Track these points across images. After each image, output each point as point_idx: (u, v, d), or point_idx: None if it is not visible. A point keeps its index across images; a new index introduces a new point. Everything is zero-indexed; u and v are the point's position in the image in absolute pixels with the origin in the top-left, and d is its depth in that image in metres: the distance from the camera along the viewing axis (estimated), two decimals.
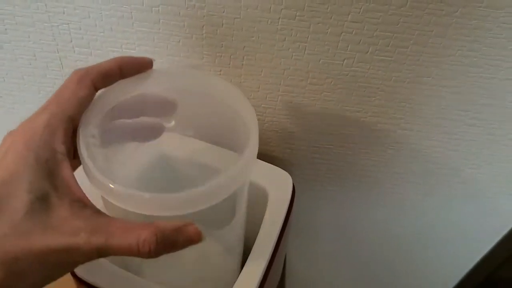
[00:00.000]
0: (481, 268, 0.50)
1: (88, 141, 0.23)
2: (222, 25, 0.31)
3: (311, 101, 0.35)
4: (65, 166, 0.21)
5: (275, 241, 0.32)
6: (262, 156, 0.39)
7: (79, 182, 0.21)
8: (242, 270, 0.31)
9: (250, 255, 0.32)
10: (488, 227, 0.45)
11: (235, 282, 0.29)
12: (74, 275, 0.29)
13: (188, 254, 0.23)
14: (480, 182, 0.40)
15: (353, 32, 0.30)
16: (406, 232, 0.48)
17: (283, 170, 0.36)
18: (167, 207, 0.22)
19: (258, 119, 0.37)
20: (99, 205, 0.22)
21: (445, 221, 0.45)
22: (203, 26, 0.31)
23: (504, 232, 0.45)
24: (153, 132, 0.29)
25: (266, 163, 0.37)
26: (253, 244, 0.35)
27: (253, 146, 0.25)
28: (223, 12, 0.30)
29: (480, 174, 0.40)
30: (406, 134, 0.37)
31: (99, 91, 0.24)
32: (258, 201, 0.36)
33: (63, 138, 0.21)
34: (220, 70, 0.34)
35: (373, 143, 0.38)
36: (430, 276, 0.53)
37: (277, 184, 0.35)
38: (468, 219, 0.44)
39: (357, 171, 0.42)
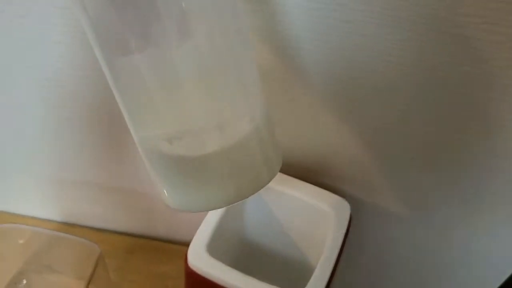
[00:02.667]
0: None
1: None
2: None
3: (354, 146, 0.44)
4: None
5: (336, 259, 0.40)
6: (325, 185, 0.47)
7: None
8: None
9: (316, 270, 0.38)
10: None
11: None
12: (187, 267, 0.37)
13: None
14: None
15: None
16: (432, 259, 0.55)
17: (342, 198, 0.45)
18: None
19: (324, 154, 0.46)
20: None
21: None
22: None
23: None
24: None
25: (328, 192, 0.45)
26: (313, 259, 0.43)
27: None
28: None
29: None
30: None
31: None
32: (320, 224, 0.44)
33: None
34: None
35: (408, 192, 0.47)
36: None
37: (337, 209, 0.44)
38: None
39: (394, 209, 0.50)
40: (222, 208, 0.41)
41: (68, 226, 0.63)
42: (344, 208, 0.44)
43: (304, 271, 0.46)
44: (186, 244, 0.61)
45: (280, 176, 0.45)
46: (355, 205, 0.50)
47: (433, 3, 0.31)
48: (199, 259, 0.37)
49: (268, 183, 0.29)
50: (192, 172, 0.27)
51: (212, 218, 0.40)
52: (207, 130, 0.26)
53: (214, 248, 0.39)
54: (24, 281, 0.51)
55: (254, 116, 0.27)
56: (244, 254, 0.50)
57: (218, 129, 0.26)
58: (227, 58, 0.26)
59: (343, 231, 0.42)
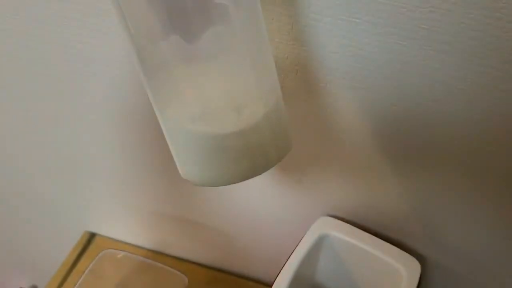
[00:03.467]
0: None
1: None
2: None
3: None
4: None
5: None
6: (397, 242, 0.50)
7: None
8: None
9: None
10: None
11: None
12: None
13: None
14: None
15: None
16: None
17: (413, 257, 0.47)
18: None
19: (396, 213, 0.49)
20: None
21: None
22: None
23: None
24: None
25: (400, 249, 0.47)
26: None
27: None
28: None
29: None
30: None
31: None
32: (390, 280, 0.47)
33: None
34: None
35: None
36: None
37: (407, 267, 0.46)
38: None
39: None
40: (301, 256, 0.45)
41: (155, 254, 0.69)
42: (415, 267, 0.46)
43: None
44: (257, 281, 0.66)
45: (354, 230, 0.48)
46: (426, 264, 0.52)
47: None
48: None
49: (276, 163, 0.32)
50: (210, 149, 0.30)
51: (291, 265, 0.44)
52: (226, 112, 0.29)
53: None
54: None
55: (268, 102, 0.30)
56: None
57: (235, 111, 0.29)
58: (245, 47, 0.28)
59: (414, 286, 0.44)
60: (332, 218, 0.49)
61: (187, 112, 0.29)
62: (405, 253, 0.47)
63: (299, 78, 0.37)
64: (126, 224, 0.69)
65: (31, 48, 0.43)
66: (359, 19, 0.32)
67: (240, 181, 0.31)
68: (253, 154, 0.30)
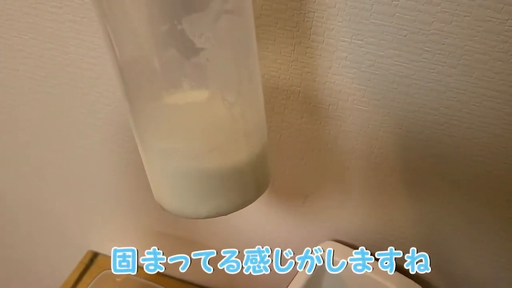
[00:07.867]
0: None
1: None
2: None
3: None
4: None
5: None
6: (402, 269, 0.48)
7: None
8: None
9: None
10: None
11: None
12: None
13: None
14: None
15: None
16: None
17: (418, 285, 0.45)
18: None
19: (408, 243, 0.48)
20: None
21: None
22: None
23: None
24: None
25: (409, 279, 0.46)
26: None
27: None
28: None
29: None
30: None
31: None
32: None
33: None
34: None
35: None
36: None
37: None
38: None
39: None
40: (303, 280, 0.44)
41: (157, 275, 0.68)
42: None
43: None
44: None
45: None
46: None
47: None
48: None
49: (254, 201, 0.31)
50: (185, 182, 0.29)
51: None
52: (205, 149, 0.28)
53: None
54: None
55: (251, 142, 0.30)
56: None
57: (216, 149, 0.28)
58: (229, 86, 0.28)
59: None
60: (335, 243, 0.48)
61: (166, 144, 0.29)
62: (410, 280, 0.46)
63: (301, 99, 0.37)
64: (130, 244, 0.68)
65: (40, 66, 0.43)
66: (362, 40, 0.32)
67: (214, 217, 0.30)
68: (230, 191, 0.30)
